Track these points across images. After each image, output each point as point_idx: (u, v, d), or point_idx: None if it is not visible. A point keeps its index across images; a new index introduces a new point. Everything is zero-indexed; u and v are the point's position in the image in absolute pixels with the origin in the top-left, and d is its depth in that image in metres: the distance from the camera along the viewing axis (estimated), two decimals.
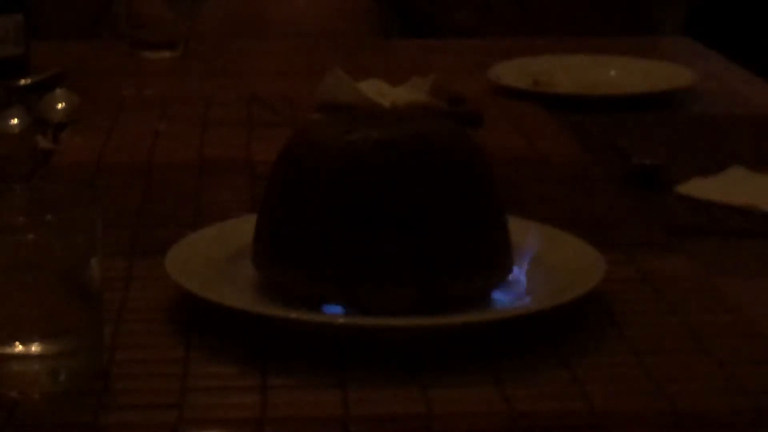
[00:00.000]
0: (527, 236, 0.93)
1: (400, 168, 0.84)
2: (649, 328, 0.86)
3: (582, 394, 0.77)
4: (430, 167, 0.85)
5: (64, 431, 0.73)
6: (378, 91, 1.39)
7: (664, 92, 1.49)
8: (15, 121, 1.30)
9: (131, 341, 0.84)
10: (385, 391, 0.77)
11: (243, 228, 0.92)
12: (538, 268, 0.91)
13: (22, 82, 1.47)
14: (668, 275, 0.95)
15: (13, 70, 1.51)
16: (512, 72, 1.55)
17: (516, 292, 0.88)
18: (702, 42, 1.84)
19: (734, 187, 1.14)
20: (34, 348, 0.76)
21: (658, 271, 0.96)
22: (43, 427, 0.74)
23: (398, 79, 1.40)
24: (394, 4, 2.06)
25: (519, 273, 0.90)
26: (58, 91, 1.38)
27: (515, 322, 0.84)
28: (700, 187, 1.14)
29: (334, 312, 0.84)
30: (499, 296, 0.87)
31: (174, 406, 0.75)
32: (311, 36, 1.89)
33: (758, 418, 0.75)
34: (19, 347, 0.76)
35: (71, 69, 1.52)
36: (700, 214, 1.09)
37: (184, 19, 1.70)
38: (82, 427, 0.73)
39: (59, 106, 1.36)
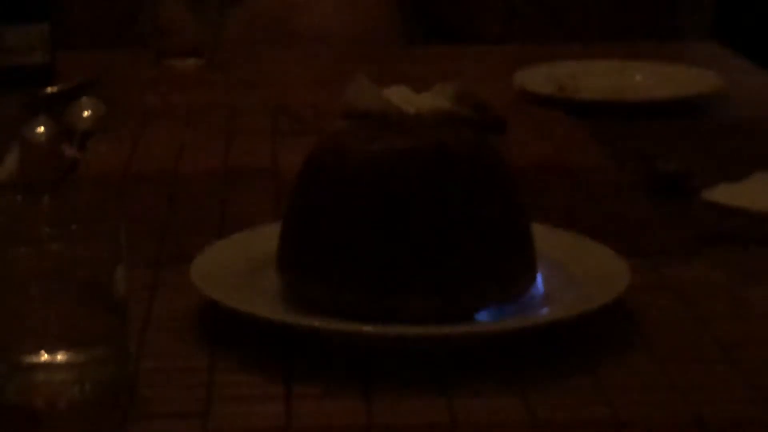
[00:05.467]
0: (551, 244, 0.93)
1: (423, 177, 0.85)
2: (675, 336, 0.86)
3: (607, 403, 0.77)
4: (453, 176, 0.85)
5: None
6: (402, 97, 1.39)
7: (690, 98, 1.49)
8: (41, 129, 1.31)
9: (156, 350, 0.84)
10: (409, 401, 0.77)
11: (268, 236, 0.93)
12: (563, 275, 0.90)
13: (49, 90, 1.47)
14: (694, 283, 0.95)
15: (40, 78, 1.52)
16: (537, 78, 1.55)
17: (540, 300, 0.88)
18: (728, 47, 1.83)
19: (760, 193, 1.13)
20: (60, 357, 0.77)
21: (683, 278, 0.96)
22: None
23: (423, 86, 1.40)
24: (418, 11, 2.06)
25: (543, 281, 0.89)
26: (85, 100, 1.38)
27: (540, 330, 0.84)
28: (726, 194, 1.13)
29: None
30: (523, 304, 0.87)
31: (199, 415, 0.76)
32: (336, 44, 1.90)
33: None
34: (44, 356, 0.77)
35: (97, 78, 1.52)
36: (726, 221, 1.09)
37: (209, 28, 1.71)
38: None
39: (85, 114, 1.36)
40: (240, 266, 0.92)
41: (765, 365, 0.82)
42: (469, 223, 0.85)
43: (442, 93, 1.39)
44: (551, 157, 1.29)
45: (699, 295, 0.93)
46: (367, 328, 0.82)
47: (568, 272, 0.91)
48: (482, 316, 0.85)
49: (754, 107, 1.50)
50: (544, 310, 0.87)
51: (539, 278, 0.89)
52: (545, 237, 0.93)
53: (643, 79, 1.58)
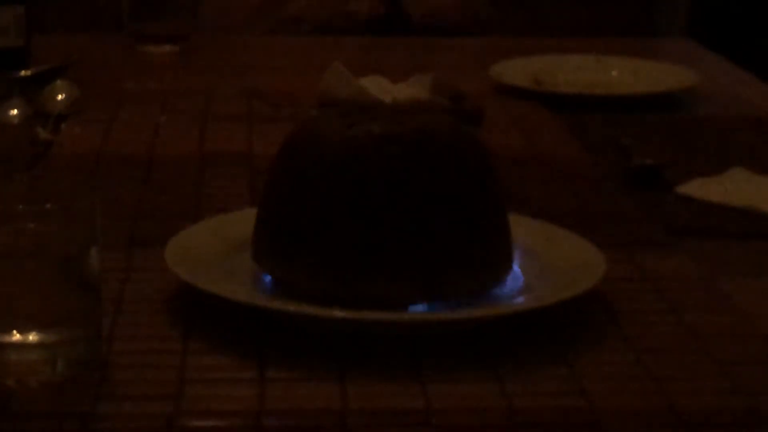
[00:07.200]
0: (527, 234, 0.93)
1: (401, 163, 0.84)
2: (649, 326, 0.86)
3: (581, 392, 0.77)
4: (431, 162, 0.85)
5: (60, 420, 0.73)
6: (379, 87, 1.38)
7: (665, 93, 1.49)
8: (15, 112, 1.30)
9: (129, 332, 0.84)
10: (383, 386, 0.77)
11: (242, 221, 0.92)
12: (539, 265, 0.90)
13: (23, 73, 1.46)
14: (668, 274, 0.95)
15: (14, 61, 1.50)
16: (514, 71, 1.55)
17: (516, 289, 0.88)
18: (703, 44, 1.83)
19: (734, 188, 1.14)
20: (32, 337, 0.76)
21: (658, 270, 0.96)
22: (39, 416, 0.74)
23: (400, 76, 1.40)
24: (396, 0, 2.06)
25: (519, 270, 0.89)
26: (59, 83, 1.37)
27: (516, 318, 0.84)
28: (700, 188, 1.14)
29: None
30: (499, 293, 0.87)
31: (171, 397, 0.75)
32: (313, 32, 1.89)
33: (755, 418, 0.75)
34: (16, 336, 0.76)
35: (72, 61, 1.51)
36: (699, 215, 1.09)
37: (185, 14, 1.70)
38: (79, 416, 0.73)
39: (59, 97, 1.35)
40: (214, 250, 0.91)
41: (738, 356, 0.82)
42: (446, 211, 0.84)
43: (419, 83, 1.39)
44: (527, 149, 1.29)
45: (673, 287, 0.93)
46: (339, 314, 0.82)
47: (544, 262, 0.91)
48: (457, 304, 0.85)
49: (727, 103, 1.50)
50: (520, 299, 0.87)
51: (515, 267, 0.89)
52: (521, 227, 0.93)
53: (619, 74, 1.58)
